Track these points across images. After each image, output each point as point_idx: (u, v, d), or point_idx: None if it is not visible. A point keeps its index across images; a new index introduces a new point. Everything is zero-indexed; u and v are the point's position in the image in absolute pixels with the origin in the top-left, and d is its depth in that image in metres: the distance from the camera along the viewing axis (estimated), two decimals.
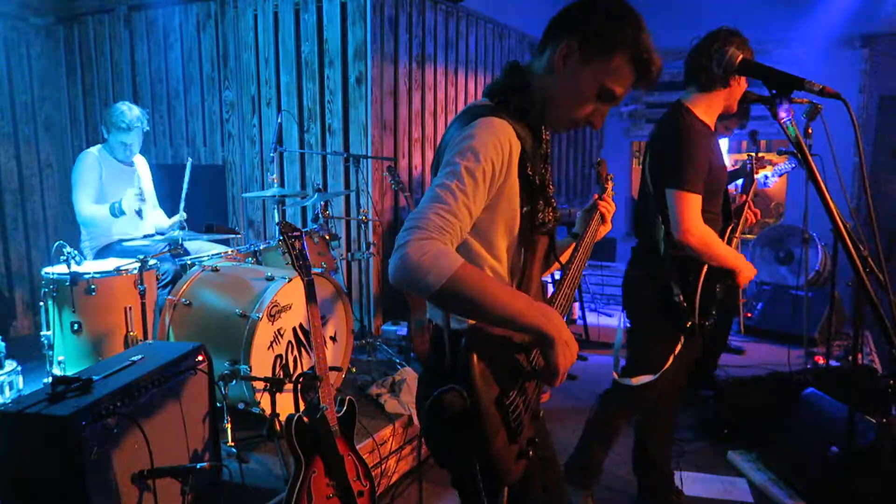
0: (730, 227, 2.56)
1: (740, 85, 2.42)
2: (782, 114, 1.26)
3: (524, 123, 1.38)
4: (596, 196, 1.81)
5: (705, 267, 2.39)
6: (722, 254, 2.38)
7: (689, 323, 2.39)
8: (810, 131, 3.29)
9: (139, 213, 3.81)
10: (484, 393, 1.26)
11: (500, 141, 1.29)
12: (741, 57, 1.40)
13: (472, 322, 1.33)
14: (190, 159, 3.69)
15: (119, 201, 3.57)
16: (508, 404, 1.31)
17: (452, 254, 1.19)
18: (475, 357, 1.26)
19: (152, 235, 3.78)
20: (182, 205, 3.70)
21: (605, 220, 1.78)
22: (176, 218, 3.78)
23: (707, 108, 2.44)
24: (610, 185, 1.85)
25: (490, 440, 1.26)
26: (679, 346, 2.48)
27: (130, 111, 3.70)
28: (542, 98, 1.41)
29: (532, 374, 1.39)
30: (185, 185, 3.66)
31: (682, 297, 2.39)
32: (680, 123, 2.40)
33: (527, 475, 1.42)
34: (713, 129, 2.47)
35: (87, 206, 3.67)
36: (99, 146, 3.82)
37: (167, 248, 3.59)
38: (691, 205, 2.33)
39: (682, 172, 2.32)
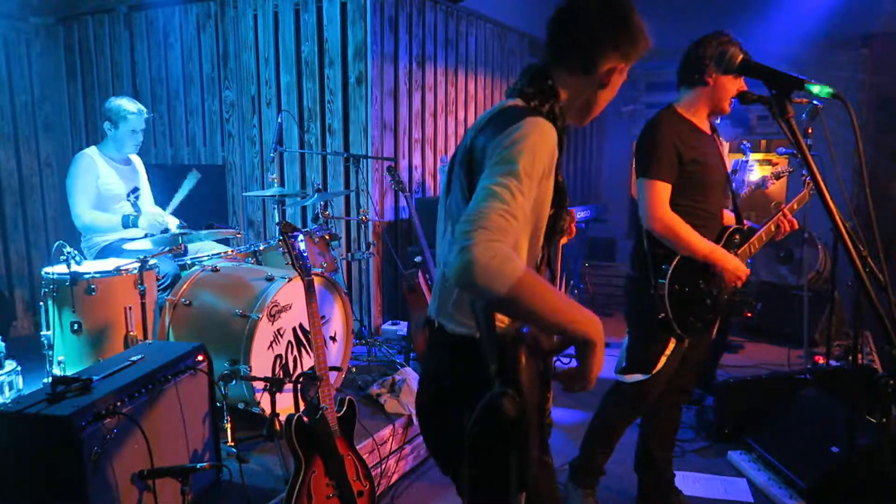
0: (730, 230, 2.55)
1: (724, 84, 2.42)
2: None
3: (557, 128, 1.39)
4: None
5: (677, 258, 2.39)
6: (692, 243, 2.37)
7: (662, 315, 2.39)
8: (810, 131, 3.28)
9: (138, 211, 3.80)
10: (530, 398, 1.23)
11: (551, 143, 1.30)
12: (741, 57, 1.40)
13: (503, 326, 1.30)
14: (195, 171, 3.64)
15: (136, 217, 3.58)
16: (545, 410, 1.33)
17: (517, 258, 1.17)
18: (525, 360, 1.22)
19: (152, 235, 3.77)
20: (170, 209, 3.70)
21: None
22: (170, 224, 3.75)
23: (690, 106, 2.47)
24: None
25: (531, 447, 1.23)
26: (670, 348, 2.48)
27: (131, 101, 3.72)
28: (580, 104, 1.46)
29: (557, 378, 1.37)
30: (181, 193, 3.66)
31: (656, 290, 2.40)
32: (654, 118, 2.47)
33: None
34: (701, 126, 2.48)
35: (86, 212, 3.63)
36: (94, 147, 3.77)
37: (167, 248, 3.58)
38: (657, 192, 2.36)
39: (647, 161, 2.39)
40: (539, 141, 1.28)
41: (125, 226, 3.57)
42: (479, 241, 1.15)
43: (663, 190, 2.37)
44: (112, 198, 3.71)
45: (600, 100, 1.48)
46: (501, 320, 1.32)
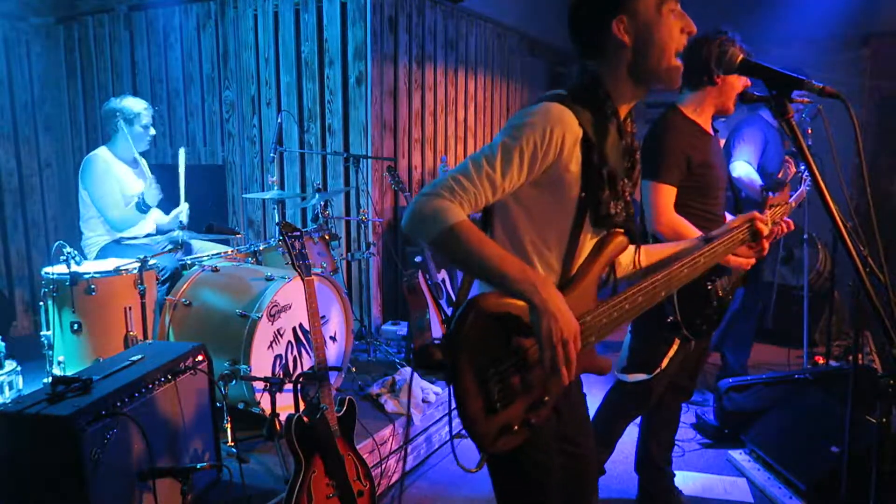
0: None
1: (732, 84, 2.41)
2: None
3: (600, 113, 1.42)
4: (754, 215, 1.70)
5: None
6: None
7: (670, 318, 2.38)
8: (810, 131, 3.28)
9: (145, 210, 3.79)
10: (464, 356, 1.31)
11: (551, 125, 1.35)
12: (741, 57, 1.40)
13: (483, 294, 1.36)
14: (183, 148, 3.70)
15: (141, 196, 3.58)
16: (491, 375, 1.33)
17: (454, 210, 1.31)
18: (470, 320, 1.32)
19: (153, 235, 3.78)
20: (182, 195, 3.69)
21: (758, 240, 1.70)
22: (178, 210, 3.74)
23: (696, 107, 2.45)
24: (775, 211, 1.81)
25: (462, 401, 1.32)
26: (674, 348, 2.48)
27: (136, 100, 3.76)
28: (633, 71, 1.43)
29: (528, 353, 1.39)
30: (181, 175, 3.67)
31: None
32: (661, 120, 2.45)
33: (541, 464, 1.48)
34: (705, 128, 2.48)
35: (116, 213, 3.63)
36: (104, 147, 3.76)
37: (168, 248, 3.59)
38: (663, 195, 2.36)
39: (654, 164, 2.37)
40: (538, 122, 1.35)
41: (140, 209, 3.60)
42: (424, 193, 1.35)
43: (669, 193, 2.36)
44: (126, 198, 3.70)
45: (650, 46, 1.41)
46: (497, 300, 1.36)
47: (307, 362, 3.16)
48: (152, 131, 3.81)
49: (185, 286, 3.18)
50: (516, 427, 1.37)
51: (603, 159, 1.40)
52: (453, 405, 1.33)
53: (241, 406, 2.99)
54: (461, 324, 1.32)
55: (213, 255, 3.51)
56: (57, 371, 3.09)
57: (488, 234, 1.50)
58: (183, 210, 3.70)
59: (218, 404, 2.66)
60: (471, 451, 1.41)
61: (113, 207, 3.62)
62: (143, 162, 3.95)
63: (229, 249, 3.69)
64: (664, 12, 1.41)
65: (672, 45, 1.42)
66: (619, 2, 1.40)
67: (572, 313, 1.30)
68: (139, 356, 2.34)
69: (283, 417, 2.34)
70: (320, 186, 4.27)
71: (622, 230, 1.49)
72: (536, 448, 1.47)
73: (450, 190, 1.33)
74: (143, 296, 3.08)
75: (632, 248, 1.56)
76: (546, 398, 1.42)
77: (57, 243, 3.03)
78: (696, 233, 2.37)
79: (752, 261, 1.78)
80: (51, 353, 3.10)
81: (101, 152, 3.72)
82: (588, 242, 1.48)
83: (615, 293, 1.50)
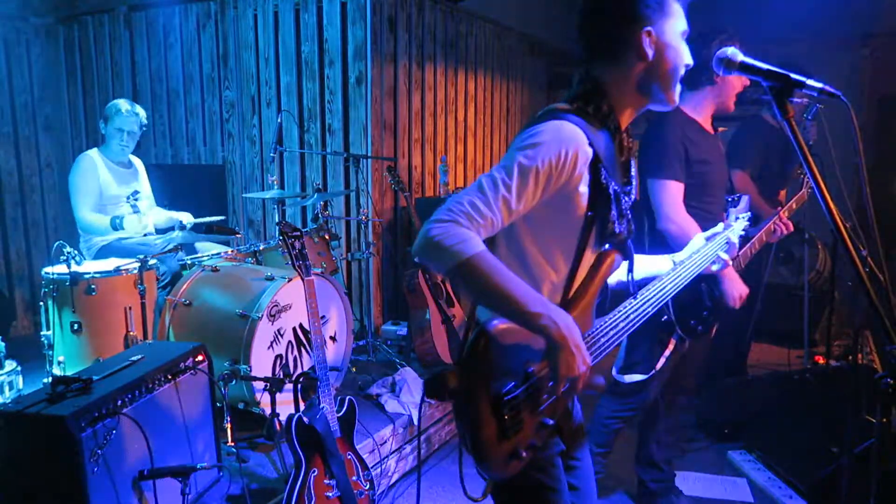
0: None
1: (732, 83, 2.41)
2: None
3: (605, 130, 1.40)
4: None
5: None
6: None
7: (665, 318, 2.39)
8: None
9: (119, 227, 3.81)
10: (480, 382, 1.29)
11: (565, 145, 1.31)
12: (741, 57, 1.40)
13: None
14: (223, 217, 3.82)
15: (122, 217, 3.58)
16: (506, 401, 1.31)
17: (472, 239, 1.24)
18: (483, 346, 1.29)
19: (151, 235, 3.78)
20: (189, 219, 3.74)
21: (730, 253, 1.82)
22: (179, 215, 3.77)
23: (696, 106, 2.46)
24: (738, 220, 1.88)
25: (475, 428, 1.29)
26: (670, 349, 2.48)
27: (129, 103, 3.75)
28: (640, 87, 1.43)
29: (540, 381, 1.38)
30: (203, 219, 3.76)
31: None
32: (660, 118, 2.45)
33: (547, 487, 1.46)
34: (705, 126, 2.48)
35: (87, 214, 3.65)
36: (96, 149, 3.80)
37: (167, 248, 3.59)
38: (670, 192, 2.35)
39: (656, 161, 2.38)
40: (549, 142, 1.31)
41: (113, 226, 3.59)
42: (438, 220, 1.26)
43: (677, 190, 2.36)
44: (111, 199, 3.72)
45: (663, 66, 1.42)
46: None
47: (307, 362, 3.16)
48: (126, 139, 3.73)
49: (185, 286, 3.18)
50: (523, 452, 1.36)
51: (609, 178, 1.38)
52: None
53: (241, 406, 2.99)
54: (475, 350, 1.29)
55: (213, 255, 3.51)
56: (57, 371, 3.09)
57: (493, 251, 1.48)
58: (185, 217, 3.73)
59: (218, 404, 2.66)
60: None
61: (83, 207, 3.65)
62: (136, 161, 3.96)
63: (229, 249, 3.69)
64: (680, 37, 1.43)
65: (681, 71, 1.45)
66: (651, 14, 1.39)
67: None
68: (139, 356, 2.34)
69: (283, 417, 2.34)
70: (320, 186, 4.27)
71: (616, 249, 1.48)
72: (541, 470, 1.45)
73: (466, 216, 1.26)
74: (143, 296, 3.08)
75: (625, 263, 1.54)
76: (551, 421, 1.42)
77: (57, 243, 3.03)
78: (698, 231, 2.37)
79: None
80: (51, 353, 3.10)
81: (91, 153, 3.78)
82: (587, 261, 1.47)
83: (608, 311, 1.51)
